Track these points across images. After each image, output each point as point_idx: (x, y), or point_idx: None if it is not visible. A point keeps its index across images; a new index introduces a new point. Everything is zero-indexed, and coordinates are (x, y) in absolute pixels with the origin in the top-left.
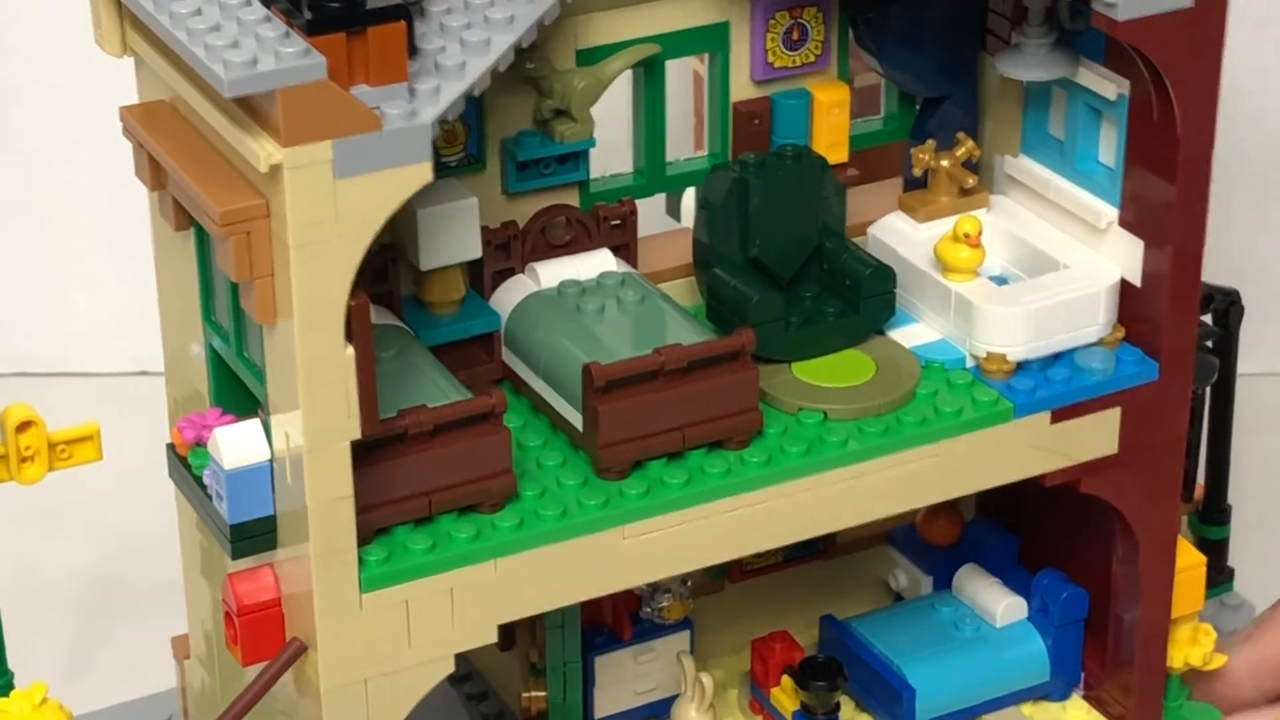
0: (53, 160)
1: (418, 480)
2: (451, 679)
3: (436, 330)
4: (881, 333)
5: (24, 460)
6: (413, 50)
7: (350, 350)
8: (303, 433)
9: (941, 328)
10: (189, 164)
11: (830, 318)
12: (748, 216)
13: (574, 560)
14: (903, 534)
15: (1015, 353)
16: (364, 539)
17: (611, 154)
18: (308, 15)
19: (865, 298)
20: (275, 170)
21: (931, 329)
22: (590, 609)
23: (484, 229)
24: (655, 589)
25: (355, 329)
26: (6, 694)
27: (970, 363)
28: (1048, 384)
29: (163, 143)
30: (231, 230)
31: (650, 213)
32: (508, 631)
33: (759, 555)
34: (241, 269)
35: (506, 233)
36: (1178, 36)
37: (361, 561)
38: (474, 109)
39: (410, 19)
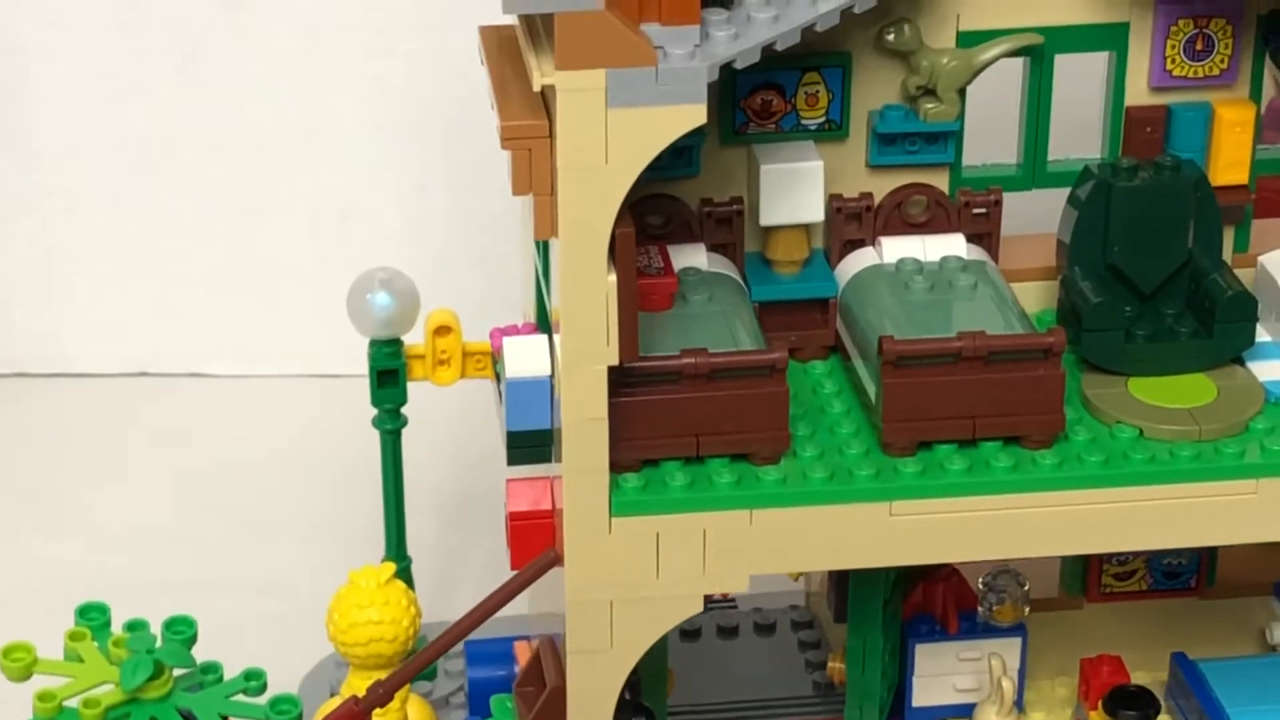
0: (53, 160)
1: (689, 420)
2: (794, 624)
3: (771, 287)
4: (1242, 363)
5: (440, 363)
6: None
7: (612, 278)
8: (560, 351)
9: None
10: (502, 82)
11: (1182, 337)
12: (1109, 221)
13: (834, 525)
14: None
15: None
16: (629, 466)
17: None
18: None
19: (1220, 322)
20: (552, 92)
21: None
22: (922, 597)
23: (839, 198)
24: (991, 587)
25: (620, 258)
26: (405, 578)
27: None
28: None
29: (493, 62)
30: (513, 145)
31: (1023, 209)
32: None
33: (1123, 579)
34: (520, 184)
35: (861, 204)
36: None
37: (618, 486)
38: (839, 76)
39: None
